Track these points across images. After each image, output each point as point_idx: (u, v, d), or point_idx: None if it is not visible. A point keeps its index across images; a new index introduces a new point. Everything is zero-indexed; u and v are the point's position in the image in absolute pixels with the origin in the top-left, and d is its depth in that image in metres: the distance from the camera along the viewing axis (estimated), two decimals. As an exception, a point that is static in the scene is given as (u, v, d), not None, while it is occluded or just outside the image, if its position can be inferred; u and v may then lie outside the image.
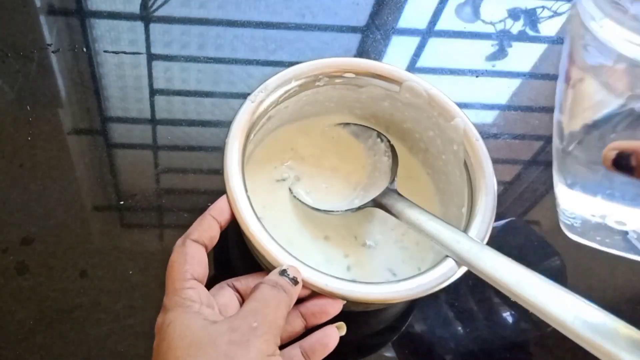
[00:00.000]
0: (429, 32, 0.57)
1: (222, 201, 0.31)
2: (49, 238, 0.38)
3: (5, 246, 0.37)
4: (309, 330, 0.30)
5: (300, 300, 0.29)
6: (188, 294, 0.27)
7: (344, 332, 0.30)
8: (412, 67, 0.54)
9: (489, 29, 0.57)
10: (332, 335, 0.30)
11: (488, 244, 0.30)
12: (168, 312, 0.26)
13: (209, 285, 0.31)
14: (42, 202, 0.39)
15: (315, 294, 0.30)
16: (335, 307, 0.30)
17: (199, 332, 0.25)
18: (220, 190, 0.32)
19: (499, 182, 0.43)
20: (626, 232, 0.30)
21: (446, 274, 0.30)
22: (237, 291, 0.31)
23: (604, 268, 0.44)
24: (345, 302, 0.31)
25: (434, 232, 0.31)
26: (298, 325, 0.30)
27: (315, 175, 0.39)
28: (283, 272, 0.28)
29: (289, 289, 0.27)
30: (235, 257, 0.39)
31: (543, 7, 0.60)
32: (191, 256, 0.29)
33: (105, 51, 0.48)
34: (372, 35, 0.55)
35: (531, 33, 0.58)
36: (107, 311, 0.36)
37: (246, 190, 0.31)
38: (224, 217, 0.31)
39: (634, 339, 0.21)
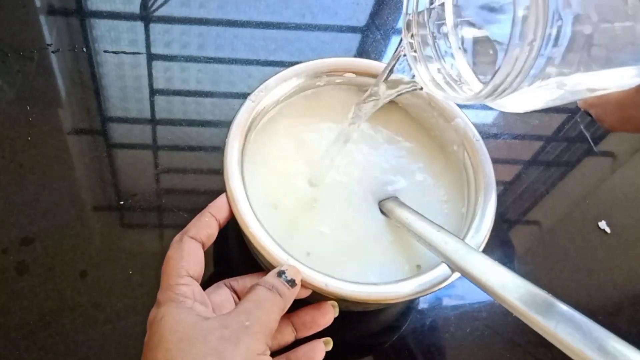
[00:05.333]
0: (429, 32, 0.57)
1: (221, 199, 0.31)
2: (49, 238, 0.38)
3: (5, 246, 0.37)
4: (299, 342, 0.31)
5: (294, 307, 0.30)
6: (182, 290, 0.27)
7: (330, 347, 0.31)
8: (412, 67, 0.54)
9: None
10: (319, 350, 0.30)
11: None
12: (161, 307, 0.27)
13: (207, 284, 0.31)
14: (42, 202, 0.39)
15: (307, 303, 0.30)
16: (327, 319, 0.31)
17: (190, 327, 0.25)
18: (220, 191, 0.32)
19: (499, 182, 0.43)
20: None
21: (446, 274, 0.30)
22: (235, 291, 0.31)
23: (603, 268, 0.44)
24: (337, 315, 0.31)
25: (422, 232, 0.31)
26: (288, 335, 0.30)
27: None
28: (281, 273, 0.28)
29: (284, 293, 0.27)
30: (234, 256, 0.39)
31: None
32: (187, 253, 0.29)
33: (105, 51, 0.48)
34: (372, 35, 0.55)
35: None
36: (107, 311, 0.36)
37: (246, 190, 0.31)
38: (223, 215, 0.31)
39: (619, 350, 0.21)
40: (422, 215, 0.32)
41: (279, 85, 0.36)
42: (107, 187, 0.41)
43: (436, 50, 0.27)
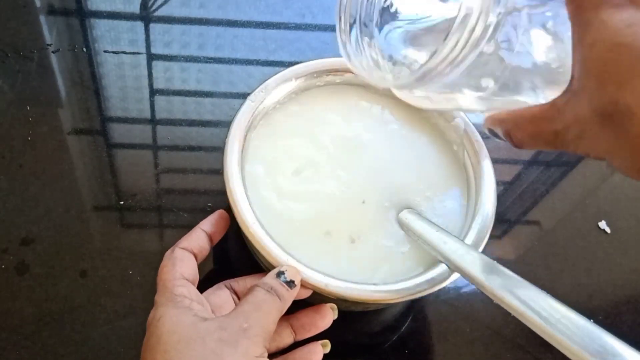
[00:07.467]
0: (429, 32, 0.57)
1: (213, 215, 0.32)
2: (49, 238, 0.38)
3: (5, 246, 0.37)
4: (298, 344, 0.31)
5: (293, 309, 0.30)
6: (179, 290, 0.27)
7: (328, 349, 0.31)
8: (412, 67, 0.54)
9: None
10: (317, 352, 0.30)
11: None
12: (159, 308, 0.27)
13: (207, 283, 0.31)
14: (42, 202, 0.39)
15: (307, 304, 0.30)
16: (325, 321, 0.31)
17: (188, 329, 0.25)
18: (220, 190, 0.32)
19: (499, 182, 0.43)
20: None
21: (445, 274, 0.30)
22: (235, 292, 0.31)
23: (603, 268, 0.44)
24: (336, 317, 0.31)
25: (421, 231, 0.31)
26: (287, 337, 0.31)
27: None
28: (280, 274, 0.28)
29: (283, 294, 0.28)
30: (234, 256, 0.39)
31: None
32: (180, 260, 0.29)
33: (105, 51, 0.48)
34: (372, 35, 0.55)
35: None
36: (107, 311, 0.36)
37: (246, 190, 0.31)
38: (214, 230, 0.32)
39: (615, 348, 0.21)
40: (420, 215, 0.32)
41: (279, 86, 0.36)
42: (107, 187, 0.41)
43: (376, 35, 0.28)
